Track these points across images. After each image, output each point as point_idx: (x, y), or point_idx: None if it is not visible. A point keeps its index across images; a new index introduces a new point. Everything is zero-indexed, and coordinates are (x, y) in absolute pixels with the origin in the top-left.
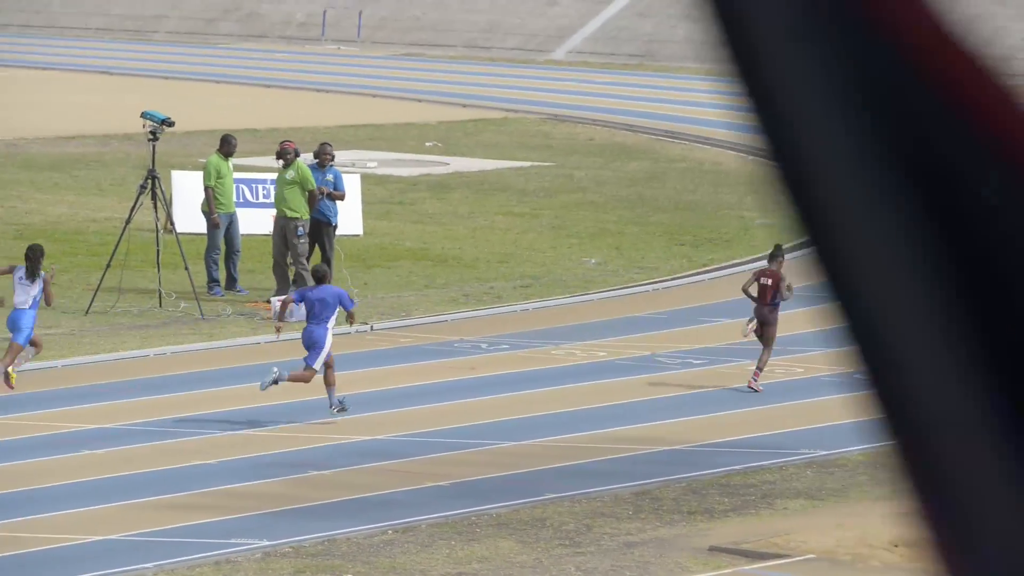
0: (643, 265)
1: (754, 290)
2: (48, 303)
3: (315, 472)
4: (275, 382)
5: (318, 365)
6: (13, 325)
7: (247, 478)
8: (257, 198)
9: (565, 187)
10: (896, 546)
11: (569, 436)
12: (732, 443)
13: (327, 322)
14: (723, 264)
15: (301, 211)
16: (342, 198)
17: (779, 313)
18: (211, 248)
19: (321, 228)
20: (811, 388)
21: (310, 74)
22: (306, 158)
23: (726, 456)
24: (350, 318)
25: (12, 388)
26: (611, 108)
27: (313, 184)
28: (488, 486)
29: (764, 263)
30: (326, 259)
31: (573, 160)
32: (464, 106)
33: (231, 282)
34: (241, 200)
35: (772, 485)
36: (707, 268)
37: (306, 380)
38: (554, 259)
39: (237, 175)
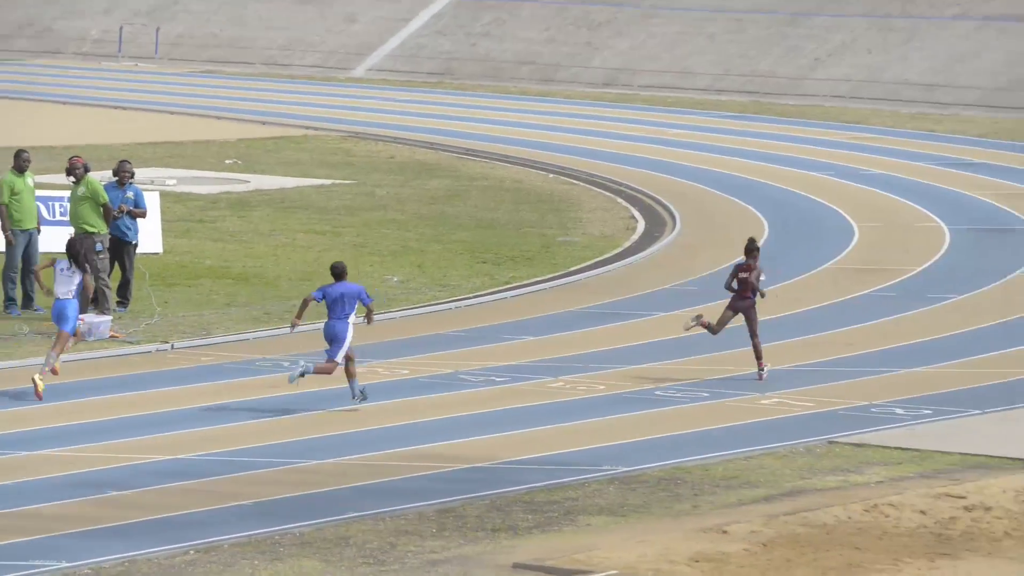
0: (445, 283)
1: (735, 284)
2: (89, 295)
3: (116, 492)
4: (302, 375)
5: (340, 358)
6: (59, 315)
7: (47, 499)
8: (54, 215)
9: (366, 205)
10: (697, 561)
11: (372, 454)
12: (535, 460)
13: (347, 317)
14: (525, 282)
15: (99, 226)
16: (143, 215)
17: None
18: (7, 267)
19: (121, 246)
20: (613, 405)
21: (107, 91)
22: (105, 176)
23: (529, 473)
24: (369, 314)
25: (53, 374)
26: (412, 126)
27: (105, 198)
28: (291, 505)
29: (740, 259)
30: (126, 279)
31: (374, 178)
32: (264, 123)
33: (27, 301)
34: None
35: (575, 501)
36: (509, 286)
37: (329, 372)
38: (356, 277)
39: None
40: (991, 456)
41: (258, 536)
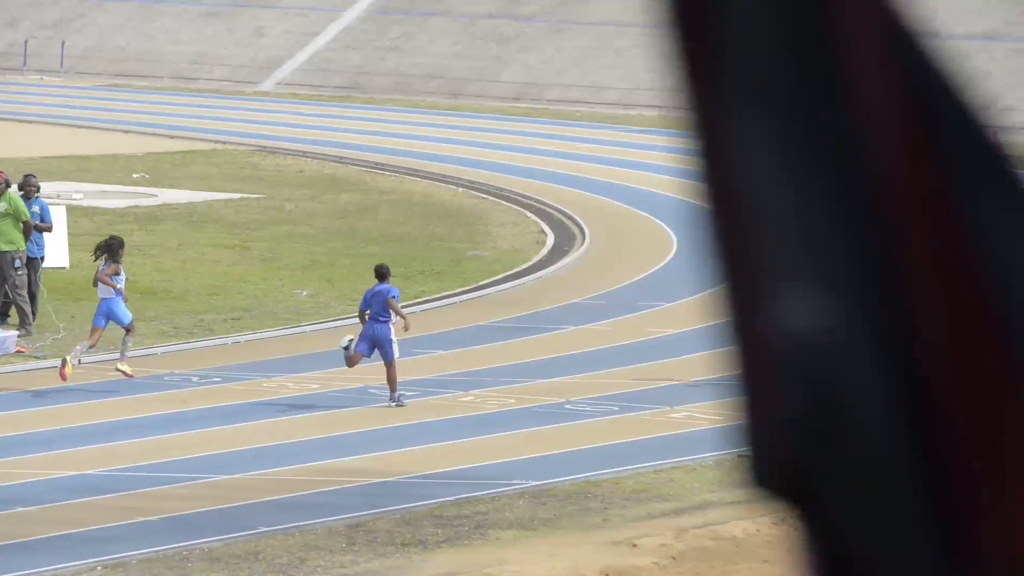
0: (355, 297)
1: None
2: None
3: (22, 508)
4: (347, 347)
5: (394, 358)
6: (110, 316)
7: None
8: None
9: (275, 219)
10: (607, 574)
11: (282, 469)
12: (445, 474)
13: (382, 318)
14: (435, 296)
15: (18, 242)
16: (49, 230)
17: None
18: None
19: (27, 261)
20: (523, 419)
21: (12, 104)
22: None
23: (439, 487)
24: (400, 317)
25: (131, 376)
26: (321, 140)
27: (27, 215)
28: (200, 520)
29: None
30: (31, 293)
31: (283, 192)
32: (172, 137)
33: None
34: None
35: (485, 516)
36: (419, 300)
37: (391, 377)
38: (265, 291)
39: None
40: None
41: (166, 552)
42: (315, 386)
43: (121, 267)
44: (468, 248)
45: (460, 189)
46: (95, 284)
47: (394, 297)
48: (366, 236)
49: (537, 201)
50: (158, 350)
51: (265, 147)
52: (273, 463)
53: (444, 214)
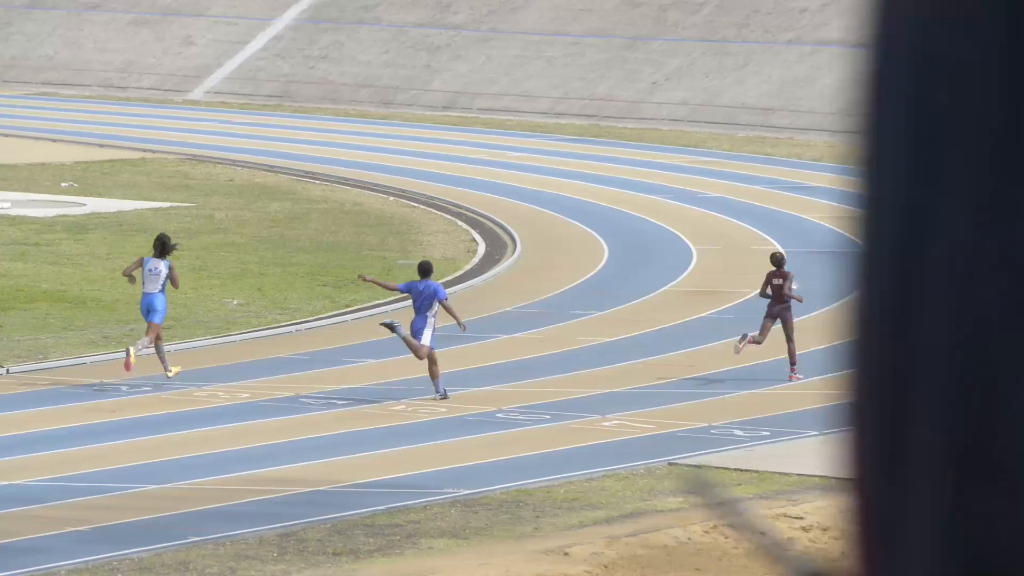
0: (286, 306)
1: (770, 291)
2: (175, 286)
3: None
4: (391, 326)
5: (426, 341)
6: (148, 309)
7: None
8: None
9: (206, 228)
10: None
11: (213, 478)
12: (377, 483)
13: (426, 313)
14: (366, 304)
15: None
16: None
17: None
18: None
19: None
20: (455, 427)
21: None
22: None
23: (371, 496)
24: (453, 315)
25: (130, 370)
26: (251, 148)
27: None
28: (130, 530)
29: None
30: None
31: (213, 201)
32: (101, 146)
33: None
34: None
35: (417, 524)
36: (350, 309)
37: (416, 352)
38: (195, 300)
39: None
40: (828, 477)
41: (96, 562)
42: (246, 395)
43: (162, 262)
44: (399, 257)
45: (391, 198)
46: (124, 274)
47: (445, 299)
48: (296, 245)
49: (468, 210)
50: (88, 359)
51: (195, 156)
52: (204, 472)
53: (375, 223)
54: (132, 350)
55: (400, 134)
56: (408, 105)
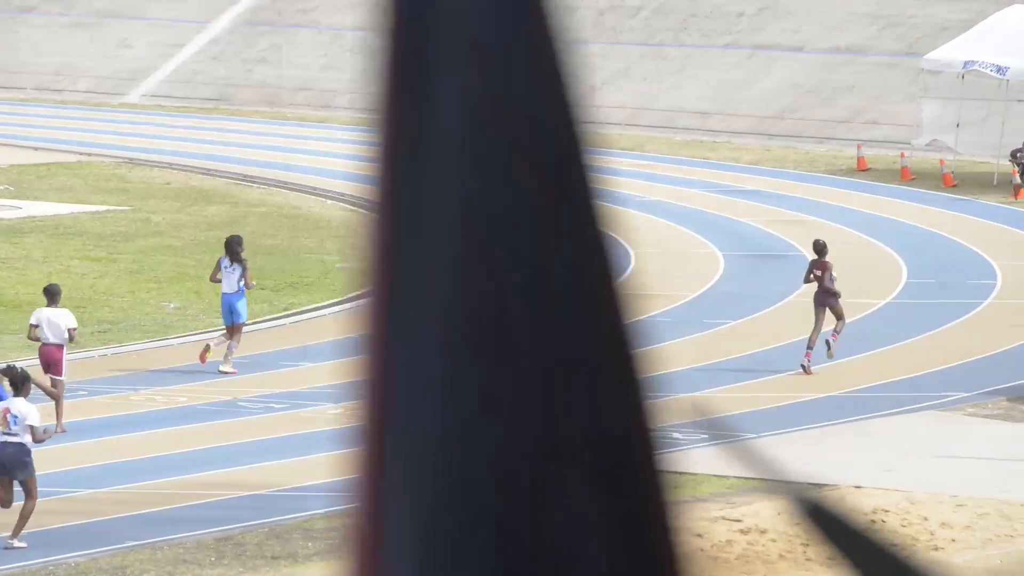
0: None
1: (812, 278)
2: (248, 287)
3: None
4: None
5: None
6: (229, 310)
7: None
8: None
9: (143, 231)
10: None
11: (150, 482)
12: (315, 487)
13: None
14: (304, 308)
15: None
16: None
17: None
18: None
19: None
20: None
21: None
22: None
23: (309, 500)
24: None
25: (204, 363)
26: (188, 152)
27: None
28: (66, 535)
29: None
30: None
31: (150, 204)
32: (36, 149)
33: None
34: None
35: None
36: (288, 312)
37: None
38: (132, 304)
39: None
40: (765, 479)
41: (31, 567)
42: (183, 399)
43: (236, 262)
44: (337, 260)
45: (329, 201)
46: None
47: None
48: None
49: None
50: (20, 364)
51: (132, 159)
52: (140, 476)
53: (313, 226)
54: (211, 344)
55: (338, 137)
56: (346, 108)
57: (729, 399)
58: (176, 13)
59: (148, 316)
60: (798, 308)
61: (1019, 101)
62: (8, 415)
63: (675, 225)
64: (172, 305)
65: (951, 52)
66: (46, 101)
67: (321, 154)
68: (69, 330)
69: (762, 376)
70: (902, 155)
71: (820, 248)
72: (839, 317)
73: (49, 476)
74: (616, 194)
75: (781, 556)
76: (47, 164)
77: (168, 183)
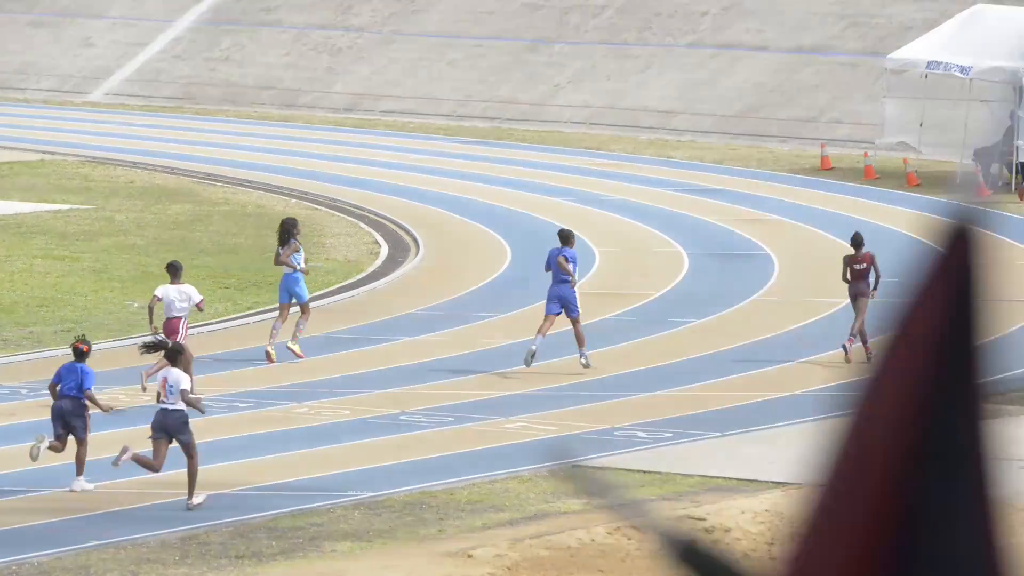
0: None
1: (849, 274)
2: (298, 270)
3: None
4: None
5: (579, 314)
6: (291, 293)
7: None
8: None
9: (106, 230)
10: None
11: (114, 481)
12: (280, 486)
13: (567, 279)
14: (268, 307)
15: None
16: None
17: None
18: None
19: None
20: (358, 430)
21: None
22: None
23: (273, 499)
24: (570, 277)
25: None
26: (151, 151)
27: None
28: (29, 534)
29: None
30: None
31: (114, 203)
32: None
33: None
34: None
35: (320, 527)
36: (252, 311)
37: (577, 333)
38: (96, 303)
39: None
40: (730, 478)
41: None
42: (147, 398)
43: (299, 245)
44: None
45: (293, 200)
46: (276, 263)
47: (564, 256)
48: (198, 247)
49: (371, 212)
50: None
51: (95, 158)
52: (104, 476)
53: (277, 225)
54: (297, 337)
55: (302, 136)
56: (310, 107)
57: (694, 398)
58: (139, 12)
59: (111, 315)
60: (763, 307)
61: (982, 101)
62: (167, 384)
63: (639, 224)
64: (135, 304)
65: (914, 52)
66: (8, 100)
67: (285, 153)
68: (198, 303)
69: (727, 375)
70: (865, 154)
71: (857, 241)
72: (859, 311)
73: (11, 476)
74: (579, 193)
75: (745, 555)
76: (9, 163)
77: (131, 182)
